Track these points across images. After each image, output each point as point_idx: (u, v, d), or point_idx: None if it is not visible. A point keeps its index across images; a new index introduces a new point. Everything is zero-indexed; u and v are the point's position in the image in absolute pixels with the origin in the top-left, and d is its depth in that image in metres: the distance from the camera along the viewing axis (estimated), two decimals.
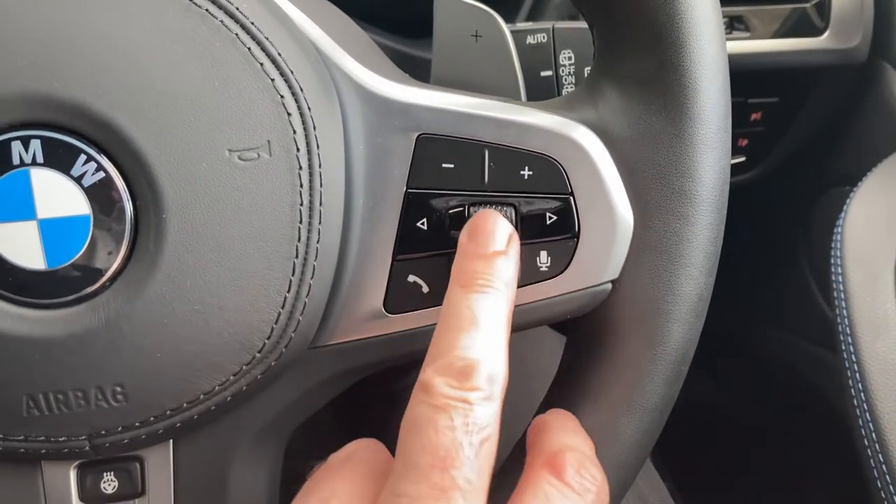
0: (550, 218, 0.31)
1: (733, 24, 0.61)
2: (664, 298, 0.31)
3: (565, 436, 0.29)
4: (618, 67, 0.31)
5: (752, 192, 0.72)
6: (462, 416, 0.25)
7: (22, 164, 0.27)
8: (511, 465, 0.32)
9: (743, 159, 0.70)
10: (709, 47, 0.30)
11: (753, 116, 0.68)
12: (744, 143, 0.69)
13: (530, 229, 0.31)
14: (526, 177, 0.31)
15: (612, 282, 0.31)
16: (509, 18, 0.59)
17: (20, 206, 0.27)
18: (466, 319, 0.28)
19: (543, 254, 0.31)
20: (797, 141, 0.71)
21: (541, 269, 0.31)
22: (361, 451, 0.29)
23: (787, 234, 0.80)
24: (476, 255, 0.29)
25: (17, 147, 0.27)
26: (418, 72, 0.38)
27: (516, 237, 0.30)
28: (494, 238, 0.30)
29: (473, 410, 0.25)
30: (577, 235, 0.31)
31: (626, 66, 0.31)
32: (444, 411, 0.25)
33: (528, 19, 0.59)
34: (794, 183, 0.76)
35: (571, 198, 0.31)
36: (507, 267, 0.29)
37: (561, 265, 0.31)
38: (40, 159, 0.27)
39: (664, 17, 0.30)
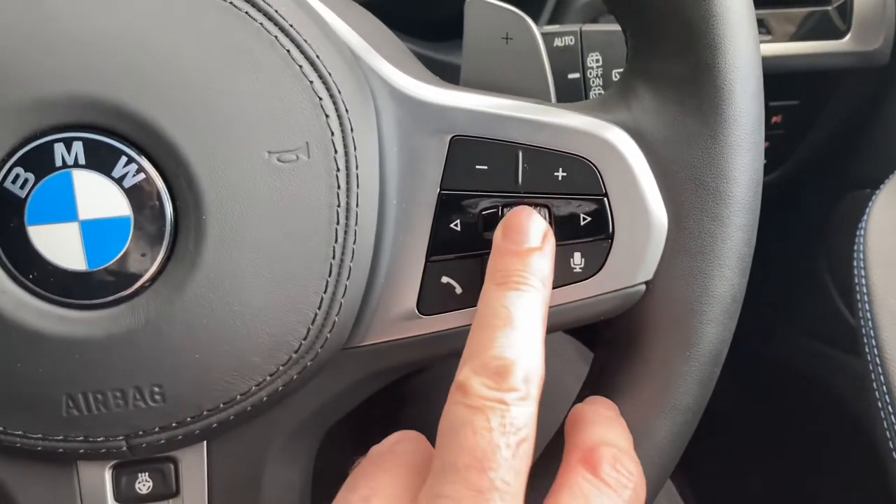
0: (584, 219, 0.31)
1: None
2: (698, 299, 0.31)
3: (601, 429, 0.29)
4: (651, 68, 0.31)
5: (772, 194, 0.72)
6: (499, 416, 0.25)
7: (64, 165, 0.27)
8: (547, 461, 0.32)
9: (763, 162, 0.70)
10: (744, 48, 0.30)
11: (774, 119, 0.67)
12: (765, 145, 0.69)
13: (564, 230, 0.31)
14: (560, 178, 0.31)
15: (646, 283, 0.31)
16: (532, 19, 0.59)
17: (62, 208, 0.27)
18: (502, 318, 0.28)
19: (577, 255, 0.31)
20: (818, 143, 0.71)
21: (575, 271, 0.31)
22: (402, 444, 0.29)
23: (807, 236, 0.80)
24: (511, 252, 0.29)
25: (59, 149, 0.27)
26: (445, 76, 0.38)
27: (551, 233, 0.30)
28: (529, 234, 0.30)
29: (510, 411, 0.26)
30: (611, 236, 0.31)
31: (660, 67, 0.31)
32: (481, 412, 0.25)
33: (550, 21, 0.59)
34: (815, 185, 0.76)
35: (605, 199, 0.31)
36: (542, 264, 0.29)
37: (595, 266, 0.31)
38: (82, 161, 0.27)
39: (698, 18, 0.30)
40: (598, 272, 0.31)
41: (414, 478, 0.27)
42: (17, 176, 0.27)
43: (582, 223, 0.31)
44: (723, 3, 0.30)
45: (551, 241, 0.30)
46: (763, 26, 0.62)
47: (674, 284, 0.31)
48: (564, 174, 0.31)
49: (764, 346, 0.92)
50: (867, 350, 0.53)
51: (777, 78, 0.63)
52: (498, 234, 0.30)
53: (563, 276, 0.31)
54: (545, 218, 0.31)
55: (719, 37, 0.30)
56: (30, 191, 0.27)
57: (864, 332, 0.54)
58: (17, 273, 0.28)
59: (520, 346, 0.27)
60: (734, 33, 0.30)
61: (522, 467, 0.25)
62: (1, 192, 0.27)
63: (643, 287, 0.31)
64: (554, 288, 0.31)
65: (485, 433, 0.25)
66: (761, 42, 0.61)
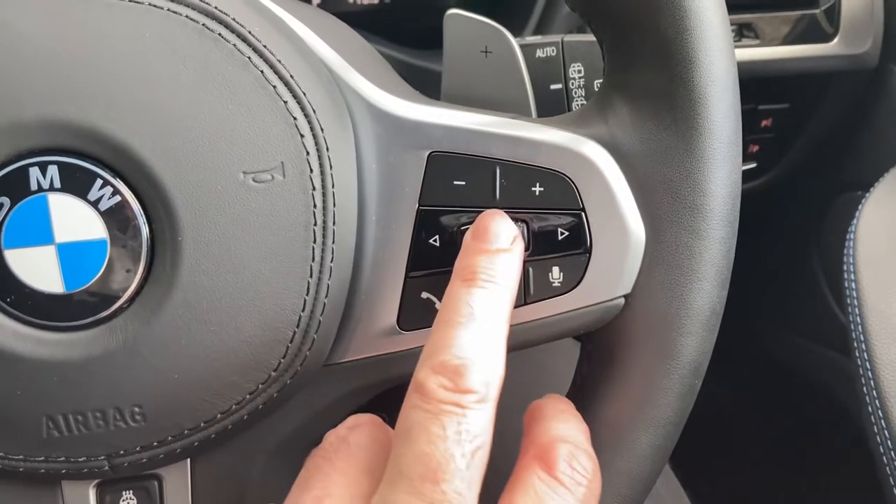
0: (562, 233, 0.31)
1: (742, 32, 0.61)
2: (677, 313, 0.31)
3: (556, 424, 0.29)
4: (628, 82, 0.31)
5: (763, 197, 0.72)
6: (455, 423, 0.25)
7: (40, 189, 0.27)
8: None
9: (754, 165, 0.70)
10: (718, 61, 0.30)
11: (764, 123, 0.67)
12: (754, 149, 0.69)
13: (542, 245, 0.31)
14: (537, 193, 0.31)
15: (625, 296, 0.31)
16: (517, 31, 0.59)
17: (38, 231, 0.28)
18: (465, 315, 0.27)
19: (556, 269, 0.31)
20: (808, 146, 0.71)
21: (553, 285, 0.31)
22: (357, 433, 0.29)
23: (799, 239, 0.80)
24: (479, 250, 0.29)
25: (34, 173, 0.27)
26: (427, 84, 0.38)
27: (520, 238, 0.30)
28: (499, 237, 0.30)
29: (466, 417, 0.25)
30: (589, 251, 0.31)
31: (636, 82, 0.31)
32: (437, 418, 0.25)
33: (535, 31, 0.59)
34: (806, 188, 0.76)
35: (583, 213, 0.31)
36: (510, 264, 0.29)
37: (573, 280, 0.31)
38: (58, 184, 0.27)
39: (673, 33, 0.30)
40: (576, 286, 0.31)
41: (367, 478, 0.27)
42: None
43: (560, 238, 0.31)
44: (697, 17, 0.30)
45: (520, 244, 0.30)
46: (751, 30, 0.62)
47: (652, 298, 0.31)
48: (542, 189, 0.31)
49: (759, 346, 0.92)
50: (857, 352, 0.54)
51: (766, 82, 0.64)
52: (468, 236, 0.30)
53: (541, 291, 0.31)
54: (523, 233, 0.31)
55: (694, 51, 0.30)
56: (5, 215, 0.27)
57: (853, 334, 0.54)
58: None
59: (481, 345, 0.27)
60: (709, 47, 0.30)
61: (476, 476, 0.25)
62: None
63: (622, 301, 0.31)
64: (532, 302, 0.31)
65: (440, 442, 0.25)
66: (750, 46, 0.62)
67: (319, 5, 0.60)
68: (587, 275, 0.31)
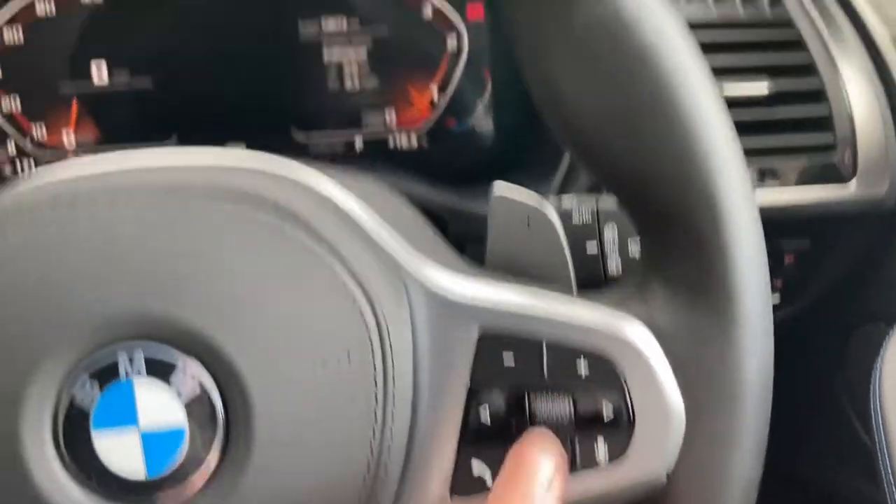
0: (606, 410, 0.33)
1: (764, 176, 0.64)
2: (719, 487, 0.32)
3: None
4: (663, 268, 0.34)
5: (787, 328, 0.73)
6: None
7: (127, 375, 0.30)
8: None
9: (778, 301, 0.71)
10: (750, 253, 0.32)
11: (787, 260, 0.69)
12: (778, 284, 0.71)
13: (586, 420, 0.33)
14: (582, 372, 0.33)
15: (667, 474, 0.33)
16: (546, 176, 0.62)
17: (124, 415, 0.30)
18: None
19: (598, 446, 0.33)
20: (832, 278, 0.73)
21: (596, 460, 0.33)
22: None
23: (824, 368, 0.80)
24: (520, 490, 0.31)
25: (123, 360, 0.30)
26: (471, 226, 0.40)
27: (563, 468, 0.32)
28: (538, 477, 0.31)
29: None
30: (632, 428, 0.33)
31: (671, 269, 0.33)
32: None
33: (564, 177, 0.62)
34: (830, 318, 0.77)
35: (626, 392, 0.33)
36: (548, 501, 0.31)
37: (616, 456, 0.33)
38: (143, 371, 0.30)
39: (706, 226, 0.32)
40: (619, 463, 0.33)
41: None
42: (84, 383, 0.30)
43: (603, 414, 0.33)
44: (728, 212, 0.32)
45: (558, 483, 0.32)
46: (773, 175, 0.64)
47: (693, 475, 0.33)
48: (586, 369, 0.33)
49: (785, 474, 0.92)
50: (886, 486, 0.54)
51: (788, 221, 0.66)
52: (502, 476, 0.32)
53: (584, 465, 0.33)
54: (569, 408, 0.33)
55: (725, 246, 0.32)
56: (95, 398, 0.30)
57: (882, 466, 0.55)
58: (80, 475, 0.30)
59: None
60: (740, 240, 0.32)
61: None
62: (72, 399, 0.30)
63: (664, 478, 0.33)
64: (575, 475, 0.33)
65: None
66: (770, 187, 0.64)
67: (361, 153, 0.64)
68: (629, 451, 0.33)
